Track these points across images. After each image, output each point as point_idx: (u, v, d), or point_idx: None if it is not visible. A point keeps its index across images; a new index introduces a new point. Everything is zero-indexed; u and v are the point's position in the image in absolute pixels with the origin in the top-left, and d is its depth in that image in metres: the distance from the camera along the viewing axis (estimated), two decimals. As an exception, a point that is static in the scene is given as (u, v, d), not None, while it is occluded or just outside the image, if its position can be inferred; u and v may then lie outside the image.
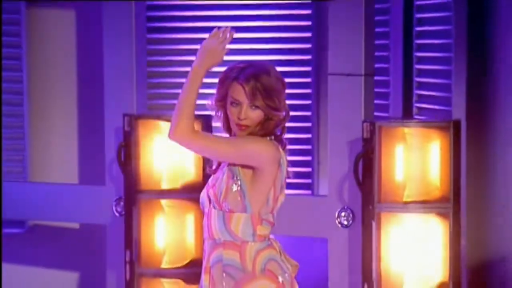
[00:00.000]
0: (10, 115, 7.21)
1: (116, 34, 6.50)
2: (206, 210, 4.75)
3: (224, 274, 4.62)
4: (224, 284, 4.62)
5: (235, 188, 4.58)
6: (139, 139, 6.18)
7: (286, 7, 6.93)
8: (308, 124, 6.26)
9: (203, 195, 4.80)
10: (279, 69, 5.10)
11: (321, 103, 6.43)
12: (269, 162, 4.64)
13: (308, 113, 6.28)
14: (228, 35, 4.44)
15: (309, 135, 6.26)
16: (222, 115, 4.66)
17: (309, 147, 6.28)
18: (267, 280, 4.57)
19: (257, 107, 4.48)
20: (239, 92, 4.50)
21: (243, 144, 4.63)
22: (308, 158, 6.33)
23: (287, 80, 5.95)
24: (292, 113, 6.06)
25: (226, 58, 5.40)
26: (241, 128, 4.59)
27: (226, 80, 4.57)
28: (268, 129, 4.63)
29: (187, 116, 4.46)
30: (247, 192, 4.59)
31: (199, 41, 6.50)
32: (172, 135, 4.52)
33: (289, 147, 5.55)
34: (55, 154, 7.01)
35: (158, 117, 6.23)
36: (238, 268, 4.60)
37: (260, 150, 4.63)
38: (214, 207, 4.69)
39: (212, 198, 4.71)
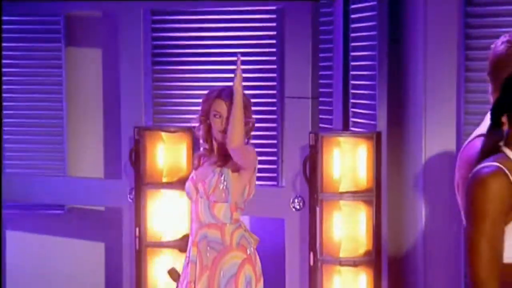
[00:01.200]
0: (52, 126, 7.17)
1: (129, 67, 6.45)
2: (193, 198, 4.88)
3: (208, 247, 4.81)
4: (208, 254, 4.81)
5: (221, 186, 4.79)
6: (146, 145, 6.21)
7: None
8: (274, 133, 6.31)
9: (189, 187, 4.92)
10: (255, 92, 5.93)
11: (285, 118, 6.34)
12: (254, 165, 4.93)
13: (274, 125, 6.29)
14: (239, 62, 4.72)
15: (274, 141, 6.29)
16: (203, 127, 4.85)
17: (274, 150, 6.30)
18: (240, 251, 4.82)
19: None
20: (221, 106, 4.75)
21: (251, 151, 4.85)
22: (274, 158, 6.34)
23: (259, 100, 6.27)
24: (264, 125, 6.30)
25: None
26: (222, 134, 4.78)
27: (209, 100, 4.81)
28: (247, 139, 4.90)
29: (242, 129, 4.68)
30: (231, 189, 4.81)
31: (193, 71, 6.41)
32: (233, 143, 4.66)
33: (259, 150, 5.69)
34: (86, 156, 7.05)
35: (160, 129, 6.26)
36: (219, 243, 4.81)
37: (255, 157, 4.89)
38: (201, 197, 4.84)
39: (201, 190, 4.83)
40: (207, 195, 4.81)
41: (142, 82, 6.47)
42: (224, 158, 4.83)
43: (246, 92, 5.93)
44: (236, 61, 4.81)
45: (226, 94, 4.76)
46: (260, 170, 5.30)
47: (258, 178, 5.39)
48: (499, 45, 3.51)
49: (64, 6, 6.86)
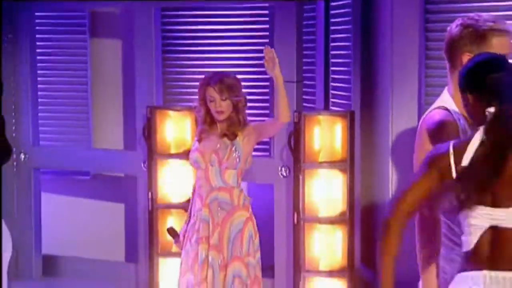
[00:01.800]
0: (80, 105, 7.18)
1: (143, 55, 6.45)
2: (202, 166, 4.83)
3: (219, 208, 4.81)
4: (219, 214, 4.80)
5: (234, 155, 4.81)
6: (156, 122, 6.19)
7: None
8: (267, 111, 6.26)
9: (197, 157, 4.86)
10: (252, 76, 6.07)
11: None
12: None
13: (267, 104, 6.26)
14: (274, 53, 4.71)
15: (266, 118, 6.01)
16: (203, 109, 4.84)
17: None
18: (245, 211, 4.86)
19: (225, 99, 4.73)
20: (212, 92, 4.75)
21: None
22: None
23: (255, 83, 6.33)
24: (258, 105, 6.33)
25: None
26: (219, 114, 4.78)
27: (202, 87, 4.83)
28: (243, 117, 4.87)
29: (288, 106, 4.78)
30: (241, 159, 4.83)
31: (197, 58, 6.50)
32: (285, 118, 4.75)
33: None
34: (108, 130, 7.02)
35: (169, 108, 6.29)
36: (228, 203, 4.83)
37: None
38: (212, 165, 4.80)
39: (213, 159, 4.80)
40: (219, 163, 4.79)
41: (154, 68, 6.46)
42: (231, 132, 4.82)
43: (244, 76, 5.97)
44: (265, 52, 4.76)
45: (215, 80, 4.76)
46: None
47: (254, 150, 5.38)
48: (454, 28, 3.46)
49: (90, 5, 6.87)
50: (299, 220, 5.73)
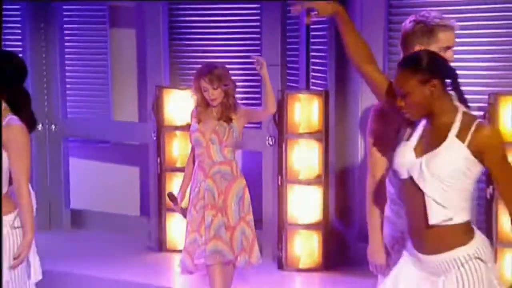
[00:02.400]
0: (101, 84, 7.11)
1: (153, 42, 6.47)
2: (203, 144, 4.69)
3: (222, 179, 4.72)
4: (222, 184, 4.72)
5: (233, 135, 4.74)
6: (163, 99, 6.21)
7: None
8: (258, 89, 6.10)
9: (198, 137, 4.72)
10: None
11: None
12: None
13: (258, 83, 6.03)
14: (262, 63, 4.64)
15: (258, 95, 6.09)
16: (199, 96, 4.71)
17: (258, 102, 5.99)
18: (242, 179, 4.79)
19: (216, 88, 4.61)
20: (204, 83, 4.61)
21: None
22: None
23: (247, 66, 5.90)
24: (250, 84, 6.23)
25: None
26: (213, 101, 4.66)
27: (195, 78, 4.69)
28: (233, 100, 4.74)
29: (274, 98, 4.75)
30: (237, 138, 4.79)
31: (200, 45, 6.41)
32: (272, 109, 4.74)
33: (248, 102, 5.92)
34: (125, 105, 7.01)
35: (174, 88, 6.28)
36: (229, 174, 4.74)
37: None
38: (213, 143, 4.68)
39: (214, 138, 4.67)
40: (220, 142, 4.69)
41: (162, 54, 6.45)
42: (226, 116, 4.73)
43: (238, 60, 6.16)
44: (254, 61, 4.71)
45: (205, 72, 4.63)
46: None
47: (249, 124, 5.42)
48: (407, 23, 3.40)
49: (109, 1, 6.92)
50: (282, 182, 5.79)
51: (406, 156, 3.03)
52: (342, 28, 3.34)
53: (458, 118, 2.98)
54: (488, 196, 5.24)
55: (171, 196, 4.90)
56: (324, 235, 5.80)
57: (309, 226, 5.81)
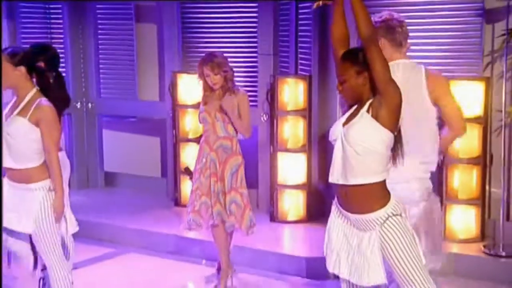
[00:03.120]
0: (129, 69, 7.04)
1: (169, 34, 6.49)
2: (210, 122, 4.57)
3: (223, 152, 4.59)
4: (222, 156, 4.59)
5: (236, 113, 4.57)
6: (177, 82, 6.26)
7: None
8: (255, 74, 6.17)
9: (205, 116, 4.59)
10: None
11: (259, 69, 6.21)
12: None
13: (255, 68, 6.14)
14: None
15: (255, 79, 6.14)
16: (203, 82, 4.60)
17: (255, 87, 6.13)
18: (239, 155, 4.65)
19: (216, 73, 4.50)
20: (206, 70, 4.51)
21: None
22: (255, 89, 6.13)
23: (245, 54, 6.16)
24: (248, 70, 6.15)
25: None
26: (214, 86, 4.54)
27: (199, 66, 4.58)
28: (232, 83, 4.59)
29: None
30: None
31: (208, 36, 6.41)
32: (246, 134, 4.59)
33: (247, 88, 5.61)
34: (148, 86, 7.02)
35: (186, 72, 6.25)
36: (229, 148, 4.62)
37: None
38: (218, 121, 4.56)
39: (218, 117, 4.54)
40: (223, 120, 4.56)
41: (176, 44, 6.48)
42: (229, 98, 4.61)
43: (237, 49, 6.08)
44: None
45: (207, 61, 4.54)
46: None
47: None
48: (375, 19, 3.36)
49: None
50: (274, 150, 5.87)
51: (337, 128, 3.10)
52: (336, 9, 3.18)
53: (371, 97, 3.01)
54: (440, 162, 5.30)
55: (187, 170, 4.85)
56: (308, 193, 5.88)
57: (295, 187, 5.88)
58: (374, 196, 3.02)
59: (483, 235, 5.25)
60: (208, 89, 4.59)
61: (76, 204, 4.01)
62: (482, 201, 5.25)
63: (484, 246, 5.10)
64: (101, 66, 7.14)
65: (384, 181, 3.06)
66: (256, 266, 5.17)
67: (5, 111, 3.60)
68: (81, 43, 7.08)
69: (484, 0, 5.11)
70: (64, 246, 3.69)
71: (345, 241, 3.11)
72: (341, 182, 3.03)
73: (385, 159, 3.03)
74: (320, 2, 3.32)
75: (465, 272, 4.70)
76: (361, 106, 3.05)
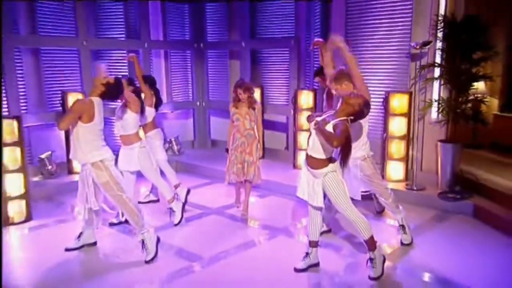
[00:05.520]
0: (225, 82, 6.75)
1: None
2: (241, 119, 4.28)
3: (249, 136, 4.36)
4: (249, 139, 4.37)
5: (254, 116, 4.32)
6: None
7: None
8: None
9: (238, 117, 4.28)
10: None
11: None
12: None
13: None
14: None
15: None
16: (235, 97, 4.33)
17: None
18: (257, 139, 4.41)
19: (245, 93, 4.32)
20: (239, 92, 4.34)
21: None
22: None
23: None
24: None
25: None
26: (242, 100, 4.31)
27: (235, 88, 4.35)
28: (253, 98, 4.36)
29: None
30: (258, 117, 4.38)
31: None
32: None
33: None
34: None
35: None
36: (253, 136, 4.41)
37: None
38: (246, 119, 4.31)
39: (247, 118, 4.27)
40: (250, 120, 4.36)
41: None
42: (251, 106, 4.36)
43: None
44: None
45: (240, 86, 4.34)
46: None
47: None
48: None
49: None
50: (295, 130, 5.83)
51: (318, 119, 3.11)
52: (329, 55, 3.10)
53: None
54: (384, 137, 5.33)
55: (227, 150, 4.57)
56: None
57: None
58: (323, 161, 3.16)
59: (406, 178, 5.36)
60: (237, 100, 4.44)
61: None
62: (406, 159, 5.38)
63: (407, 185, 5.23)
64: (210, 79, 6.87)
65: (330, 157, 3.16)
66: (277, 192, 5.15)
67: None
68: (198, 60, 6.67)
69: (410, 49, 5.16)
70: None
71: (306, 181, 3.25)
72: (309, 153, 3.23)
73: (330, 148, 3.11)
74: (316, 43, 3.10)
75: (397, 199, 4.33)
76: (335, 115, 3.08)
